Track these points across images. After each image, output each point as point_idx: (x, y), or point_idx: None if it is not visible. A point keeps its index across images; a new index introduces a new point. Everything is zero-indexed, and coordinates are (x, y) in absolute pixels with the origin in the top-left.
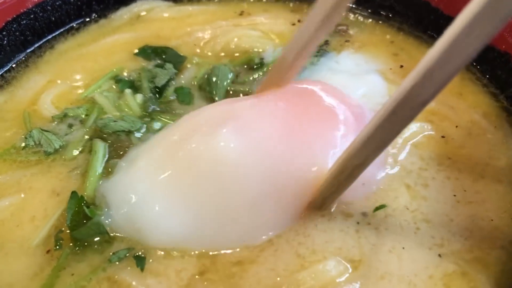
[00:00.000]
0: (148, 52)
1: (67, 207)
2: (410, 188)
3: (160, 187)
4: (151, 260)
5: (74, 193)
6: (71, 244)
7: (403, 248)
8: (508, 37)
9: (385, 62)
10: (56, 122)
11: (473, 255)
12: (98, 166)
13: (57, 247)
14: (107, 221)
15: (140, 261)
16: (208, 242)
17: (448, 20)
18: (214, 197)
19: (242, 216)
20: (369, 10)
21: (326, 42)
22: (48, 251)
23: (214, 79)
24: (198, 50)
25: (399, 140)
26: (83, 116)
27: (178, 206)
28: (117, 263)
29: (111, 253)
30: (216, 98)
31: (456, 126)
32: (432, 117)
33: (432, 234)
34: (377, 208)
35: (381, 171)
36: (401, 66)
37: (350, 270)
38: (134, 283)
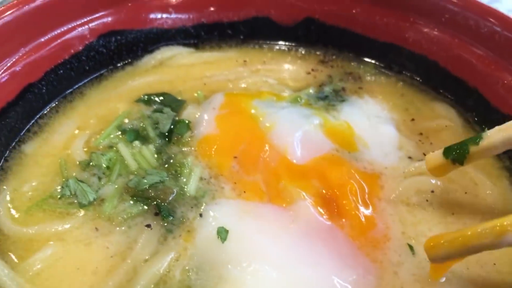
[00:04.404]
0: (146, 99)
1: None
2: None
3: None
4: None
5: None
6: None
7: None
8: (511, 102)
9: (398, 113)
10: (87, 174)
11: None
12: None
13: None
14: None
15: None
16: None
17: (454, 79)
18: None
19: None
20: (382, 65)
21: (343, 89)
22: None
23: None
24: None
25: None
26: (104, 165)
27: None
28: None
29: None
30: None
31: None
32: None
33: None
34: None
35: None
36: (412, 120)
37: None
38: None
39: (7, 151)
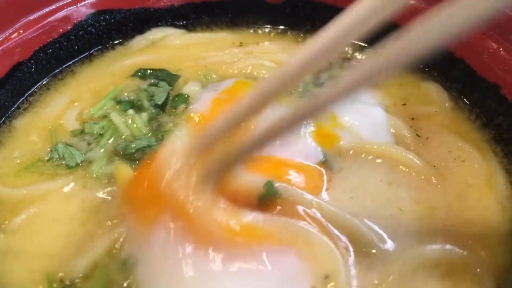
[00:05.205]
0: (141, 74)
1: None
2: None
3: None
4: None
5: None
6: None
7: None
8: (497, 70)
9: (389, 97)
10: (76, 139)
11: None
12: None
13: None
14: None
15: None
16: None
17: (454, 61)
18: None
19: None
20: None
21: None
22: None
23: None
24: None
25: None
26: (96, 133)
27: None
28: None
29: None
30: None
31: None
32: None
33: None
34: None
35: None
36: (404, 104)
37: None
38: None
39: None
